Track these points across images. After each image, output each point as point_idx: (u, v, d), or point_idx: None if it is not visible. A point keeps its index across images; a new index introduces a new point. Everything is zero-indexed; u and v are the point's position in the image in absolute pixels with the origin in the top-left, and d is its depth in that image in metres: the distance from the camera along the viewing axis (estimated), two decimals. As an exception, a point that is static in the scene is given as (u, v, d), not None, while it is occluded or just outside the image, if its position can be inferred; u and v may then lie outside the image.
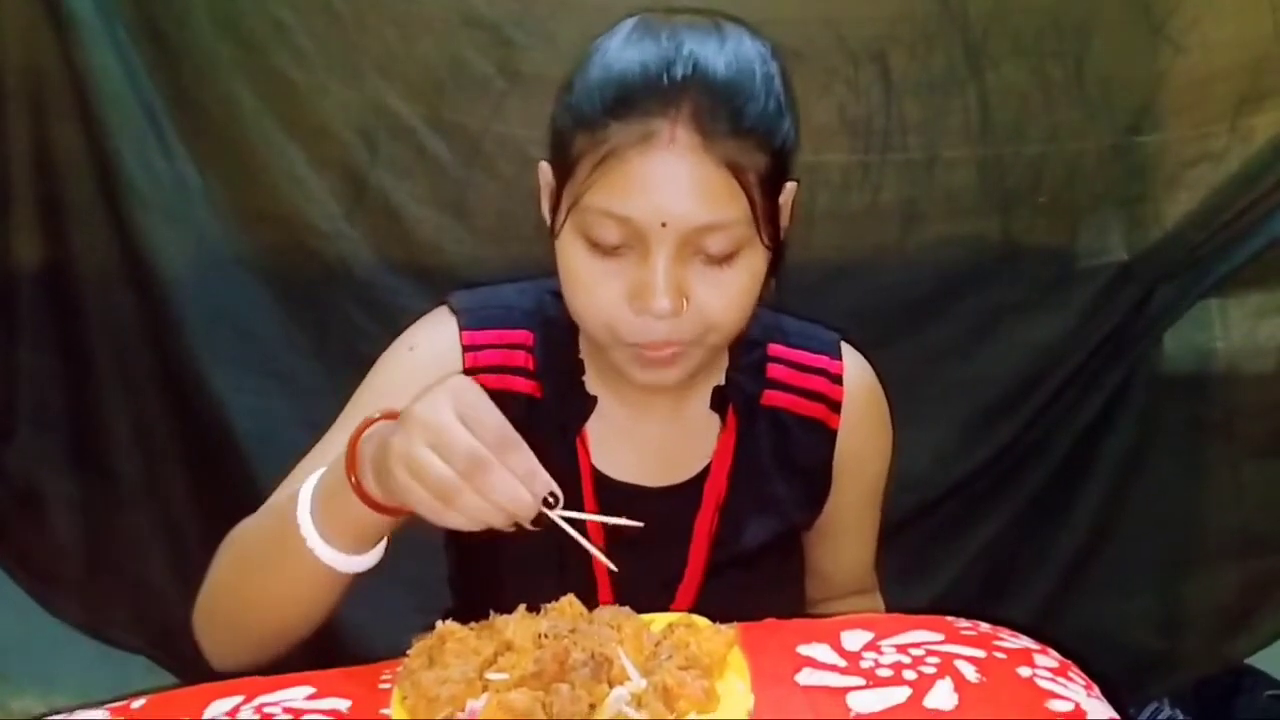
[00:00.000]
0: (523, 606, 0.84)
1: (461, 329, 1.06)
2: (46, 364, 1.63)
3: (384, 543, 0.90)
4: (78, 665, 1.71)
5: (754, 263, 0.96)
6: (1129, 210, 1.57)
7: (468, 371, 1.04)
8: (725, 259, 0.94)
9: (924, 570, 1.67)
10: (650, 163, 0.90)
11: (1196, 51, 1.48)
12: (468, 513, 0.78)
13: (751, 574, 1.10)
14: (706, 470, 1.09)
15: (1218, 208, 1.52)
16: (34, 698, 1.71)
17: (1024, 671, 0.83)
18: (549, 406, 1.06)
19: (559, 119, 0.97)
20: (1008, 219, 1.56)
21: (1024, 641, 0.89)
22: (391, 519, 0.86)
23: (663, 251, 0.91)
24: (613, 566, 0.87)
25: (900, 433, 1.20)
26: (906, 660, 0.83)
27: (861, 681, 0.81)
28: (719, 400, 1.09)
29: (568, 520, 0.82)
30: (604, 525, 0.98)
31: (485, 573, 1.09)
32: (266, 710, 0.80)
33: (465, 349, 1.06)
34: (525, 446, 0.80)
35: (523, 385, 1.06)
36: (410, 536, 0.89)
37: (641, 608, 0.86)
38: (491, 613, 0.84)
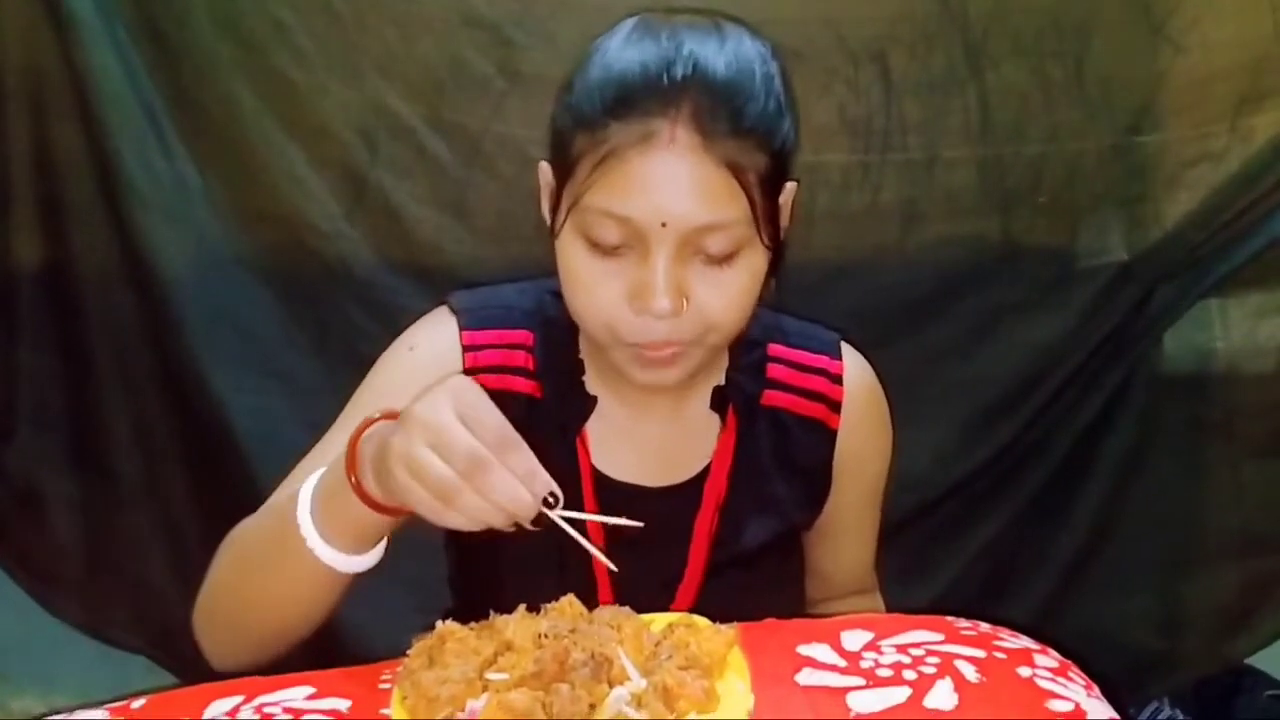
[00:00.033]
0: (523, 606, 0.84)
1: (461, 329, 1.06)
2: (46, 364, 1.63)
3: (384, 543, 0.90)
4: (78, 665, 1.71)
5: (754, 262, 0.96)
6: (1129, 210, 1.57)
7: (467, 371, 1.04)
8: (725, 259, 0.94)
9: (924, 570, 1.67)
10: (650, 163, 0.90)
11: (1196, 51, 1.48)
12: (468, 513, 0.78)
13: (751, 574, 1.10)
14: (706, 470, 1.09)
15: (1218, 208, 1.52)
16: (34, 698, 1.71)
17: (1024, 671, 0.83)
18: (549, 406, 1.06)
19: (559, 119, 0.97)
20: (1008, 219, 1.56)
21: (1024, 641, 0.89)
22: (391, 519, 0.86)
23: (663, 251, 0.91)
24: (612, 567, 0.87)
25: (900, 433, 1.20)
26: (906, 660, 0.83)
27: (861, 681, 0.81)
28: (719, 400, 1.09)
29: (567, 520, 0.82)
30: (604, 525, 0.98)
31: (485, 573, 1.09)
32: (266, 710, 0.80)
33: (465, 349, 1.06)
34: (525, 446, 0.80)
35: (523, 385, 1.06)
36: (410, 536, 0.89)
37: (641, 608, 0.86)
38: (491, 613, 0.84)
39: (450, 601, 1.19)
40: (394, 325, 1.11)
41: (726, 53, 0.94)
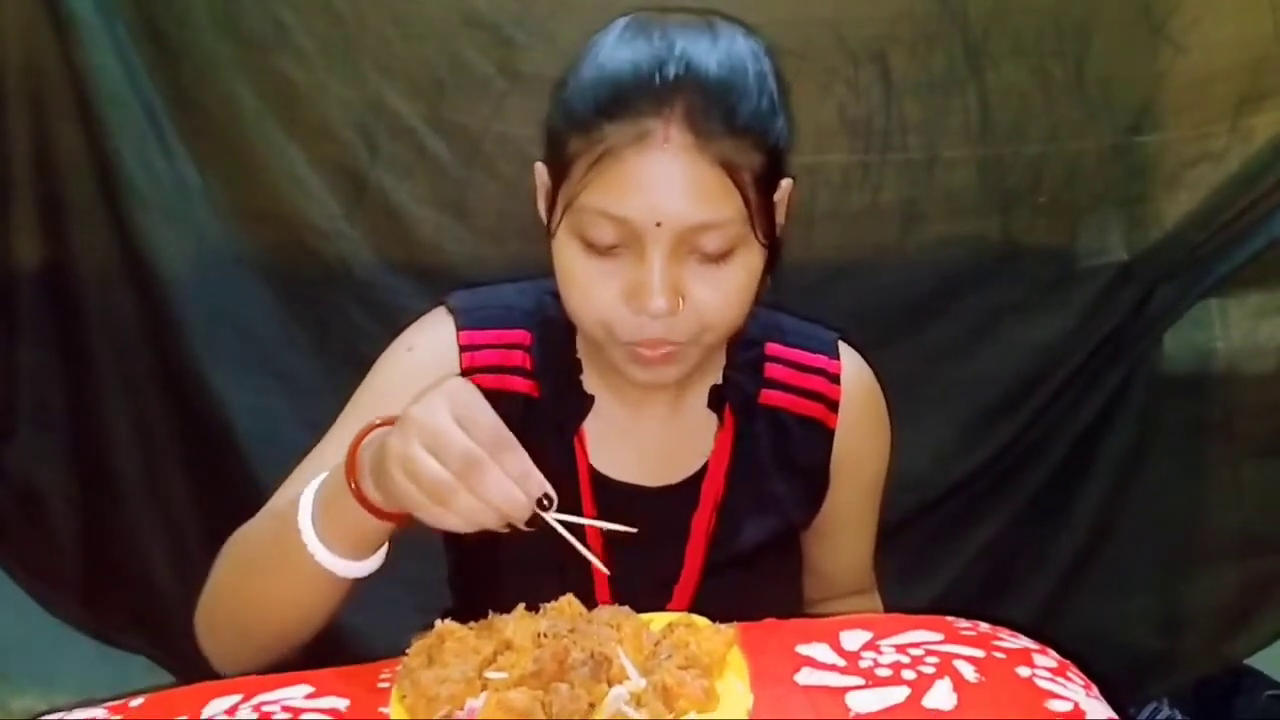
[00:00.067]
0: (522, 606, 0.84)
1: (459, 329, 1.06)
2: (46, 364, 1.63)
3: (385, 548, 0.90)
4: (77, 665, 1.71)
5: (750, 261, 0.96)
6: (1129, 210, 1.57)
7: (465, 371, 1.05)
8: (721, 257, 0.94)
9: (924, 570, 1.67)
10: (645, 163, 0.90)
11: (1197, 51, 1.48)
12: (462, 514, 0.78)
13: (749, 573, 1.10)
14: (704, 469, 1.09)
15: (1218, 208, 1.52)
16: (34, 697, 1.71)
17: (1023, 671, 0.83)
18: (547, 406, 1.06)
19: (553, 119, 0.97)
20: (1008, 219, 1.56)
21: (1023, 641, 0.89)
22: (392, 525, 0.86)
23: (658, 251, 0.91)
24: (605, 569, 0.87)
25: (900, 433, 1.20)
26: (905, 660, 0.83)
27: (860, 681, 0.81)
28: (717, 399, 1.09)
29: (562, 522, 0.82)
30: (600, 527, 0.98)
31: (484, 573, 1.09)
32: (265, 709, 0.80)
33: (463, 349, 1.06)
34: (520, 448, 0.80)
35: (520, 385, 1.06)
36: (410, 536, 0.89)
37: (639, 607, 0.86)
38: (490, 612, 0.84)
39: (449, 601, 1.19)
40: (394, 325, 1.11)
41: (719, 51, 0.94)
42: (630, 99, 0.91)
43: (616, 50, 0.95)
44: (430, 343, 1.07)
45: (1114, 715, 0.81)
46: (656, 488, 1.09)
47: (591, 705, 0.74)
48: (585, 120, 0.92)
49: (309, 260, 1.55)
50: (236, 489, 1.53)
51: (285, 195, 1.52)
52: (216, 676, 0.94)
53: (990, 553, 1.68)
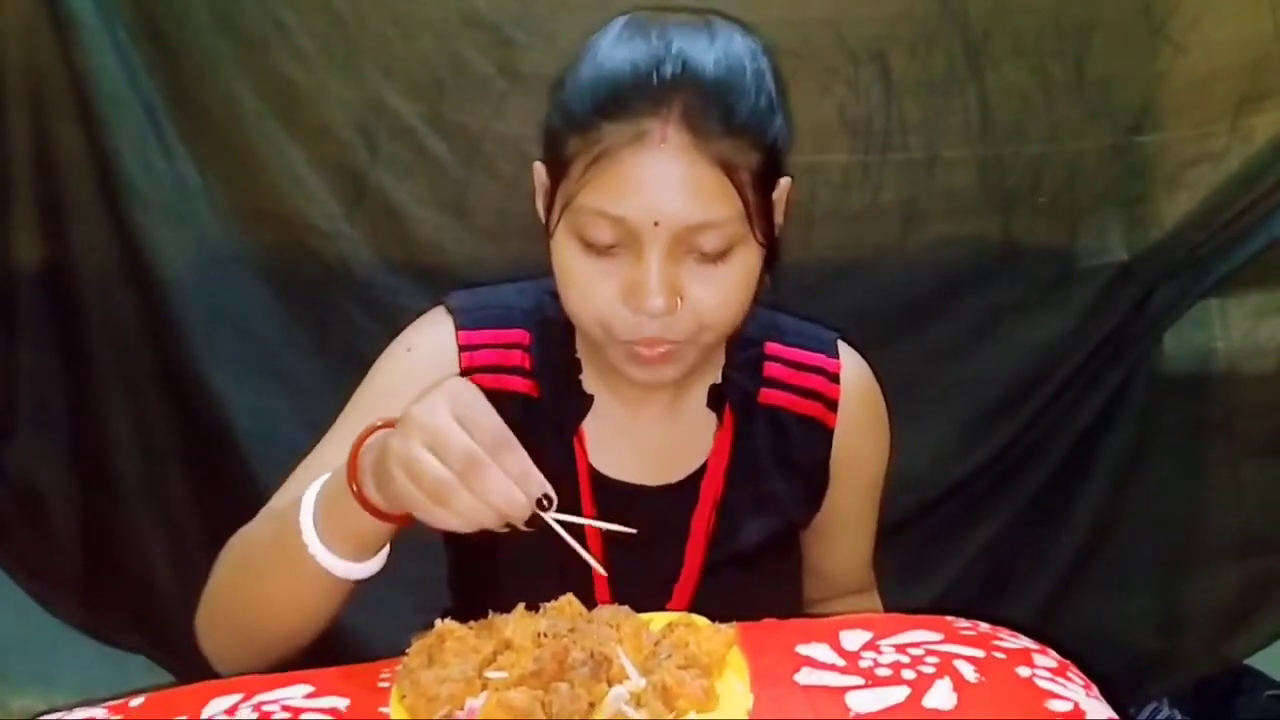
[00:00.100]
0: (521, 605, 0.84)
1: (458, 329, 1.06)
2: (46, 364, 1.63)
3: (386, 550, 0.90)
4: (77, 664, 1.71)
5: (748, 260, 0.96)
6: (1129, 210, 1.57)
7: (464, 371, 1.05)
8: (719, 256, 0.94)
9: (924, 570, 1.67)
10: (642, 163, 0.90)
11: (1197, 51, 1.48)
12: (462, 514, 0.78)
13: (749, 573, 1.10)
14: (704, 469, 1.09)
15: (1218, 208, 1.52)
16: (34, 697, 1.71)
17: (1023, 671, 0.83)
18: (546, 406, 1.06)
19: (552, 119, 0.98)
20: (1008, 219, 1.56)
21: (1023, 641, 0.89)
22: (393, 527, 0.86)
23: (656, 250, 0.92)
24: (602, 570, 0.87)
25: (900, 433, 1.20)
26: (905, 660, 0.83)
27: (860, 681, 0.81)
28: (716, 398, 1.10)
29: (562, 522, 0.82)
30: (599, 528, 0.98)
31: (484, 572, 1.09)
32: (265, 708, 0.80)
33: (462, 349, 1.06)
34: (520, 448, 0.80)
35: (519, 384, 1.07)
36: (410, 536, 0.89)
37: (639, 606, 0.86)
38: (490, 612, 0.84)
39: (449, 601, 1.19)
40: (394, 325, 1.11)
41: (716, 50, 0.94)
42: (628, 99, 0.91)
43: (614, 50, 0.95)
44: (429, 343, 1.07)
45: (1114, 715, 0.81)
46: (656, 487, 1.09)
47: (591, 705, 0.74)
48: (583, 120, 0.92)
49: (309, 260, 1.55)
50: (236, 489, 1.53)
51: (285, 195, 1.52)
52: (216, 676, 0.94)
53: (990, 553, 1.68)
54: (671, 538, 1.08)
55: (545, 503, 0.80)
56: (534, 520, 0.80)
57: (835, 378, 1.12)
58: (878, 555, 1.25)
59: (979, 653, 0.84)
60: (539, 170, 1.01)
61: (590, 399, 1.08)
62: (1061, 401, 1.62)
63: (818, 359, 1.12)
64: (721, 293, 0.95)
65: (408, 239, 1.54)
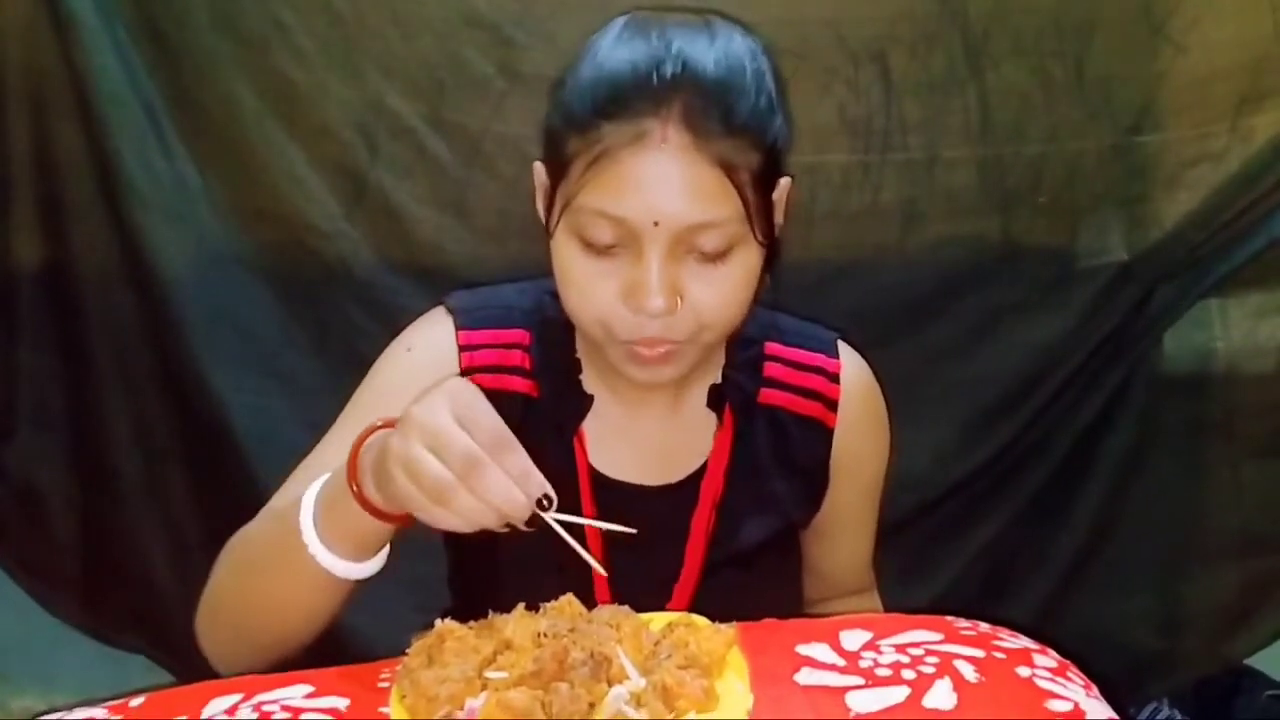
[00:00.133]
0: (522, 605, 0.84)
1: (458, 329, 1.07)
2: (46, 364, 1.63)
3: (386, 550, 0.90)
4: (77, 664, 1.71)
5: (748, 260, 0.96)
6: (1129, 210, 1.57)
7: (464, 371, 1.05)
8: (719, 256, 0.94)
9: (924, 570, 1.67)
10: (642, 163, 0.90)
11: (1197, 51, 1.48)
12: (462, 513, 0.78)
13: (749, 573, 1.10)
14: (703, 468, 1.09)
15: (1218, 208, 1.52)
16: (34, 697, 1.71)
17: (1023, 671, 0.83)
18: (546, 406, 1.06)
19: (552, 119, 0.98)
20: (1008, 219, 1.56)
21: (1023, 641, 0.89)
22: (393, 527, 0.86)
23: (656, 250, 0.92)
24: (602, 571, 0.87)
25: (900, 433, 1.20)
26: (905, 660, 0.83)
27: (860, 681, 0.81)
28: (716, 398, 1.10)
29: (562, 522, 0.82)
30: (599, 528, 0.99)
31: (484, 572, 1.09)
32: (265, 708, 0.80)
33: (462, 349, 1.06)
34: (520, 448, 0.80)
35: (519, 384, 1.07)
36: (410, 536, 0.89)
37: (639, 606, 0.86)
38: (490, 612, 0.84)
39: (449, 601, 1.19)
40: (394, 325, 1.11)
41: (716, 50, 0.94)
42: (628, 99, 0.91)
43: (614, 50, 0.95)
44: (429, 343, 1.07)
45: (1114, 715, 0.81)
46: (656, 487, 1.09)
47: (591, 705, 0.74)
48: (583, 120, 0.92)
49: (309, 260, 1.55)
50: (236, 489, 1.53)
51: (285, 195, 1.52)
52: (216, 676, 0.94)
53: (990, 553, 1.68)
54: (671, 538, 1.08)
55: (545, 503, 0.80)
56: (534, 520, 0.80)
57: (835, 378, 1.12)
58: (878, 555, 1.25)
59: (979, 653, 0.84)
60: (539, 170, 1.01)
61: (590, 399, 1.08)
62: (1061, 401, 1.62)
63: (818, 359, 1.12)
64: (721, 293, 0.95)
65: (408, 239, 1.54)
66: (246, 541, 0.97)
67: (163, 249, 1.53)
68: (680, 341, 0.96)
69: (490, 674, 0.77)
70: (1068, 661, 0.87)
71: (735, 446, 1.09)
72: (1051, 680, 0.82)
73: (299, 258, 1.55)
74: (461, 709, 0.74)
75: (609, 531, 0.91)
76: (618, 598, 0.88)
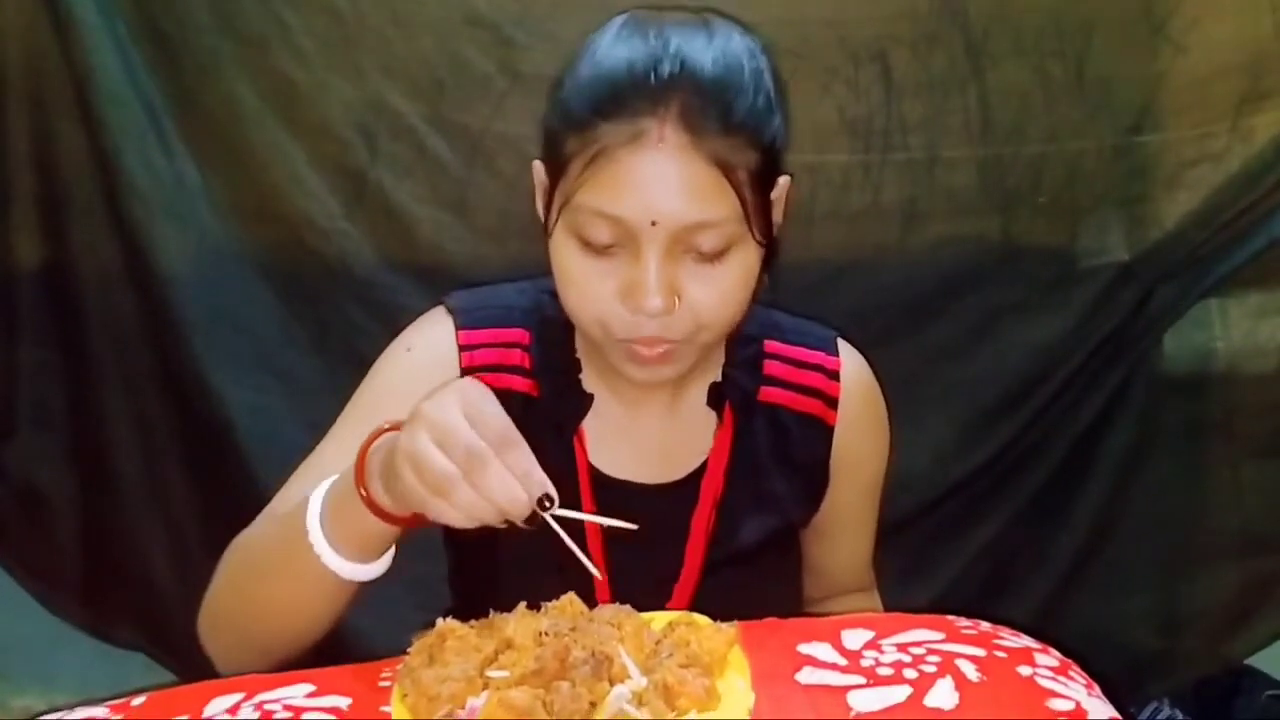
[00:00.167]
0: (523, 604, 0.85)
1: (458, 329, 1.07)
2: (47, 363, 1.63)
3: (391, 552, 0.91)
4: (78, 663, 1.71)
5: (746, 259, 0.96)
6: (1129, 210, 1.57)
7: (464, 371, 1.05)
8: (717, 256, 0.94)
9: (924, 570, 1.67)
10: (640, 162, 0.90)
11: (1197, 51, 1.48)
12: (462, 507, 0.78)
13: (748, 572, 1.10)
14: (703, 467, 1.09)
15: (1218, 208, 1.52)
16: (34, 696, 1.71)
17: (1024, 670, 0.83)
18: (546, 405, 1.06)
19: (550, 118, 0.98)
20: (1008, 219, 1.56)
21: (1025, 640, 0.89)
22: (399, 528, 0.86)
23: (653, 250, 0.92)
24: (598, 574, 0.87)
25: (900, 433, 1.20)
26: (907, 659, 0.83)
27: (862, 680, 0.81)
28: (716, 397, 1.10)
29: (563, 523, 0.82)
30: (600, 523, 0.99)
31: (484, 572, 1.09)
32: (267, 708, 0.80)
33: (462, 349, 1.06)
34: (525, 447, 0.81)
35: (519, 384, 1.07)
36: (411, 536, 0.89)
37: (639, 606, 0.86)
38: (491, 611, 0.84)
39: (450, 600, 1.19)
40: (394, 324, 1.11)
41: (714, 49, 0.94)
42: (625, 98, 0.91)
43: (613, 49, 0.95)
44: (429, 343, 1.07)
45: (1116, 714, 0.81)
46: (656, 486, 1.09)
47: (593, 704, 0.74)
48: (581, 119, 0.92)
49: (309, 259, 1.55)
50: (236, 488, 1.53)
51: (286, 194, 1.52)
52: (217, 674, 0.94)
53: (990, 553, 1.68)
54: (671, 536, 1.08)
55: (547, 503, 0.80)
56: (533, 518, 0.80)
57: (835, 375, 1.12)
58: (878, 555, 1.25)
59: (980, 652, 0.84)
60: (538, 169, 1.01)
61: (590, 398, 1.08)
62: (1061, 401, 1.62)
63: (817, 356, 1.12)
64: (719, 292, 0.95)
65: (408, 238, 1.54)
66: (249, 545, 0.97)
67: (163, 248, 1.53)
68: (678, 341, 0.96)
69: (491, 673, 0.77)
70: (1069, 660, 0.87)
71: (735, 445, 1.09)
72: (1053, 679, 0.82)
73: (299, 257, 1.55)
74: (463, 708, 0.74)
75: (609, 531, 0.91)
76: (618, 597, 0.88)
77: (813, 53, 1.48)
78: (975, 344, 1.61)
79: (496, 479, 0.78)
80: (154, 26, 1.50)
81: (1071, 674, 0.84)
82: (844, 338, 1.16)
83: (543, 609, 0.85)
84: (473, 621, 0.84)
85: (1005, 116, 1.52)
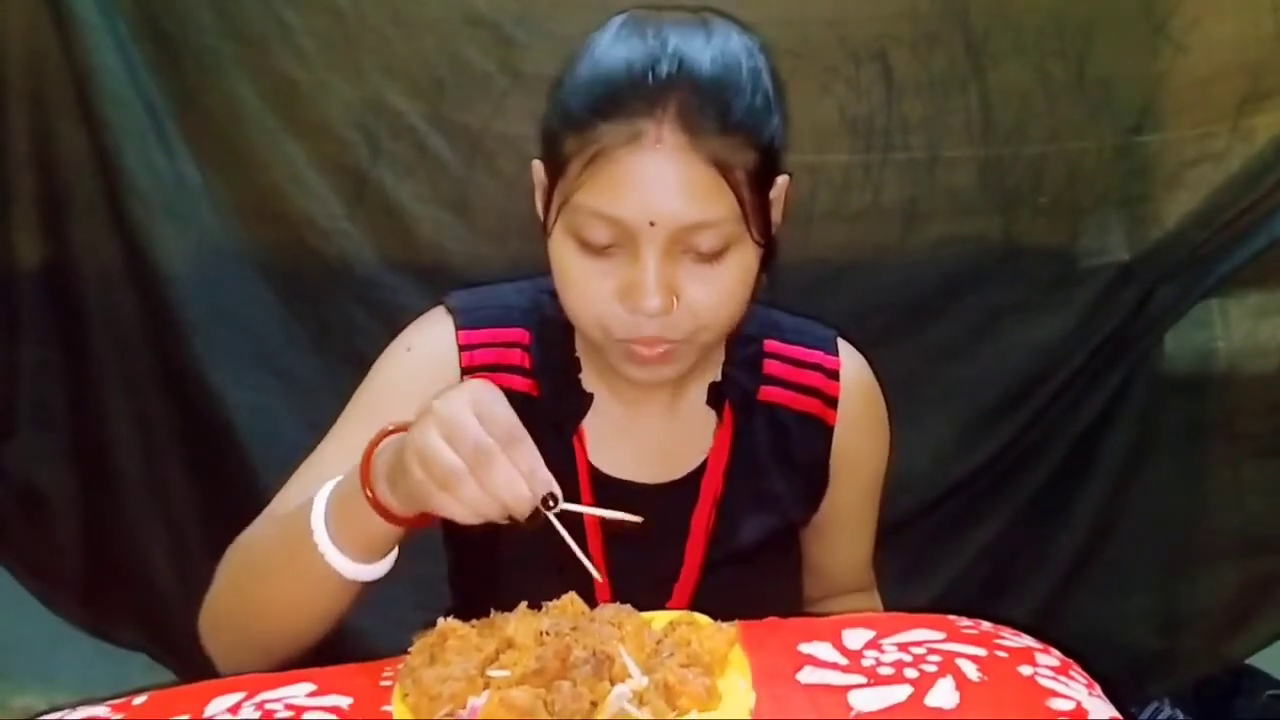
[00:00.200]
0: (524, 604, 0.85)
1: (458, 328, 1.07)
2: (47, 363, 1.63)
3: (395, 552, 0.91)
4: (78, 663, 1.71)
5: (745, 258, 0.96)
6: (1130, 210, 1.57)
7: (464, 371, 1.05)
8: (715, 256, 0.94)
9: (924, 570, 1.67)
10: (638, 163, 0.90)
11: (1198, 51, 1.48)
12: (468, 503, 0.79)
13: (748, 571, 1.10)
14: (703, 466, 1.09)
15: (1219, 208, 1.52)
16: (35, 695, 1.71)
17: (1025, 670, 0.83)
18: (546, 404, 1.06)
19: (549, 118, 0.98)
20: (1009, 219, 1.56)
21: (1025, 640, 0.89)
22: (404, 529, 0.86)
23: (652, 250, 0.92)
24: (599, 576, 0.87)
25: (900, 432, 1.20)
26: (908, 659, 0.83)
27: (863, 680, 0.81)
28: (715, 396, 1.10)
29: (564, 523, 0.82)
30: (602, 523, 0.99)
31: (484, 572, 1.09)
32: (268, 707, 0.80)
33: (462, 348, 1.06)
34: (532, 445, 0.81)
35: (519, 383, 1.06)
36: (413, 535, 0.89)
37: (640, 605, 0.86)
38: (492, 610, 0.84)
39: (450, 600, 1.19)
40: (394, 324, 1.11)
41: (712, 49, 0.94)
42: (624, 98, 0.91)
43: (611, 49, 0.95)
44: (429, 342, 1.07)
45: (1116, 714, 0.80)
46: (656, 485, 1.09)
47: (594, 704, 0.74)
48: (580, 119, 0.92)
49: (310, 259, 1.55)
50: (237, 488, 1.53)
51: (286, 194, 1.52)
52: (217, 674, 0.94)
53: (990, 553, 1.68)
54: (671, 536, 1.08)
55: (550, 502, 0.80)
56: (536, 516, 0.80)
57: (835, 374, 1.12)
58: (878, 555, 1.25)
59: (981, 651, 0.84)
60: (537, 168, 1.01)
61: (590, 397, 1.08)
62: (1061, 401, 1.62)
63: (817, 356, 1.12)
64: (718, 292, 0.95)
65: (408, 238, 1.55)
66: (250, 545, 0.97)
67: (164, 248, 1.53)
68: (678, 341, 0.96)
69: (492, 672, 0.77)
70: (1070, 660, 0.87)
71: (735, 444, 1.09)
72: (1054, 679, 0.82)
73: (300, 256, 1.55)
74: (464, 707, 0.74)
75: (609, 530, 0.91)
76: (618, 596, 0.88)
77: (813, 53, 1.48)
78: (975, 344, 1.61)
79: (502, 476, 0.78)
80: (155, 26, 1.50)
81: (1072, 674, 0.84)
82: (844, 337, 1.15)
83: (544, 608, 0.85)
84: (474, 621, 0.84)
85: (1006, 116, 1.52)
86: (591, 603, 0.86)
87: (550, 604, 0.85)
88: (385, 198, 1.53)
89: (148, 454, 1.63)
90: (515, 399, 1.03)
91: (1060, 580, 1.69)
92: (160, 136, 1.52)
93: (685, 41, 0.94)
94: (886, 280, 1.58)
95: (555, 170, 0.96)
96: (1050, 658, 0.86)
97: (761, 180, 0.96)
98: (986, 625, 0.91)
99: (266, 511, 1.00)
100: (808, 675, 0.82)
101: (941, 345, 1.61)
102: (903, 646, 0.85)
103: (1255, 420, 1.62)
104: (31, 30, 1.49)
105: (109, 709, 0.83)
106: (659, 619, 0.86)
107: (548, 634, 0.80)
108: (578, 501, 1.04)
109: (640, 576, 0.99)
